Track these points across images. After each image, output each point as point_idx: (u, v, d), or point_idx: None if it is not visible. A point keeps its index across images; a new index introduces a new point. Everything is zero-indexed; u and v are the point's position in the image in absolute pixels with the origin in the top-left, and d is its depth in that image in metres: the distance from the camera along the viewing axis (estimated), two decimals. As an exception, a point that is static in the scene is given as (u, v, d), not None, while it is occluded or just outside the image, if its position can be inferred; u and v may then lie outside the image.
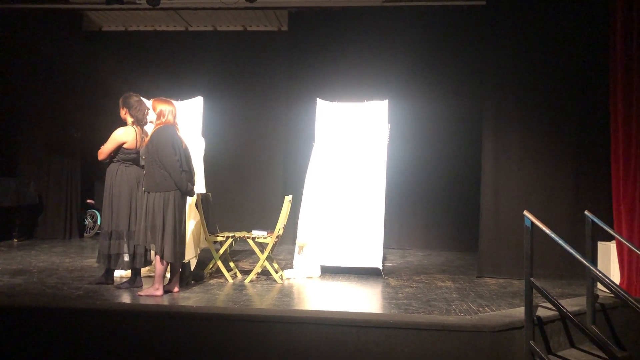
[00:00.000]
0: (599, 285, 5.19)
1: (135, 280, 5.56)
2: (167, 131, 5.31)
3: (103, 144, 5.58)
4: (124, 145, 5.54)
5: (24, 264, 6.82)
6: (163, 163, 5.18)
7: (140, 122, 5.70)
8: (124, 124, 5.70)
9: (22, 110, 9.43)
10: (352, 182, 6.87)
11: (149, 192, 5.23)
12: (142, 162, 5.44)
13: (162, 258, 5.21)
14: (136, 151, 5.61)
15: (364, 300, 5.57)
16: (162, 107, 5.39)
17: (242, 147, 9.92)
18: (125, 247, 5.49)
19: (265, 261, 6.12)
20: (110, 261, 5.53)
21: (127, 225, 5.50)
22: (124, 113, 5.69)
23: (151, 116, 5.48)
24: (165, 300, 5.05)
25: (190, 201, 5.99)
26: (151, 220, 5.17)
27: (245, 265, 7.05)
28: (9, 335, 4.49)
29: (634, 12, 5.74)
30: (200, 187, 6.31)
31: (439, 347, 4.24)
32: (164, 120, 5.35)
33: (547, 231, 4.30)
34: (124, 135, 5.56)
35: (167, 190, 5.20)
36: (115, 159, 5.58)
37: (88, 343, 4.44)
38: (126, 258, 5.50)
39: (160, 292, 5.19)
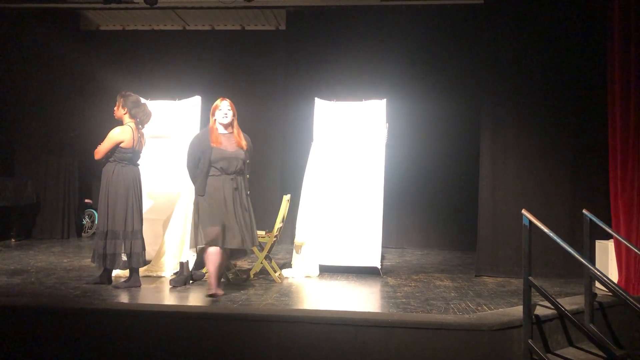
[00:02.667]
0: (597, 284, 5.21)
1: (133, 280, 5.55)
2: None
3: (100, 144, 5.56)
4: (121, 145, 5.52)
5: (21, 264, 6.81)
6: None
7: (143, 122, 5.68)
8: (121, 123, 5.68)
9: (19, 110, 9.40)
10: (350, 181, 6.87)
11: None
12: (224, 164, 5.30)
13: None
14: (132, 150, 5.59)
15: (363, 300, 5.57)
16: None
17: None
18: (122, 247, 5.48)
19: (264, 260, 6.12)
20: (106, 261, 5.50)
21: (123, 225, 5.47)
22: (123, 112, 5.65)
23: (229, 117, 5.60)
24: (164, 300, 5.04)
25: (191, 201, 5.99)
26: None
27: (243, 264, 7.04)
28: (7, 335, 4.48)
29: (632, 10, 5.74)
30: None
31: (438, 346, 4.24)
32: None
33: (546, 230, 4.30)
34: (120, 135, 5.53)
35: None
36: (111, 159, 5.55)
37: (86, 343, 4.43)
38: (124, 258, 5.49)
39: (221, 291, 5.16)
